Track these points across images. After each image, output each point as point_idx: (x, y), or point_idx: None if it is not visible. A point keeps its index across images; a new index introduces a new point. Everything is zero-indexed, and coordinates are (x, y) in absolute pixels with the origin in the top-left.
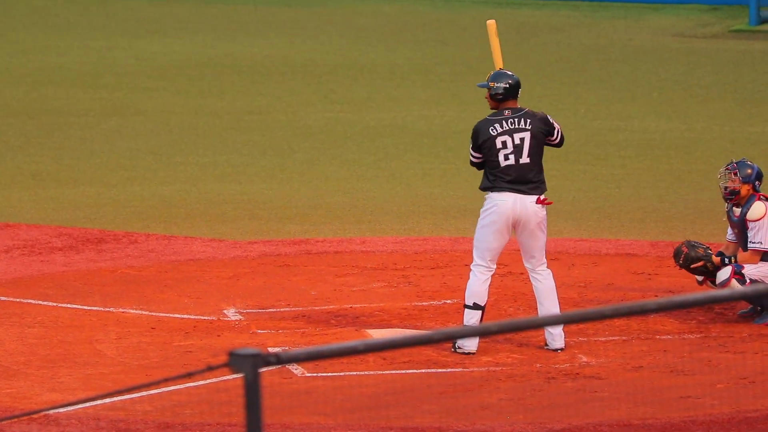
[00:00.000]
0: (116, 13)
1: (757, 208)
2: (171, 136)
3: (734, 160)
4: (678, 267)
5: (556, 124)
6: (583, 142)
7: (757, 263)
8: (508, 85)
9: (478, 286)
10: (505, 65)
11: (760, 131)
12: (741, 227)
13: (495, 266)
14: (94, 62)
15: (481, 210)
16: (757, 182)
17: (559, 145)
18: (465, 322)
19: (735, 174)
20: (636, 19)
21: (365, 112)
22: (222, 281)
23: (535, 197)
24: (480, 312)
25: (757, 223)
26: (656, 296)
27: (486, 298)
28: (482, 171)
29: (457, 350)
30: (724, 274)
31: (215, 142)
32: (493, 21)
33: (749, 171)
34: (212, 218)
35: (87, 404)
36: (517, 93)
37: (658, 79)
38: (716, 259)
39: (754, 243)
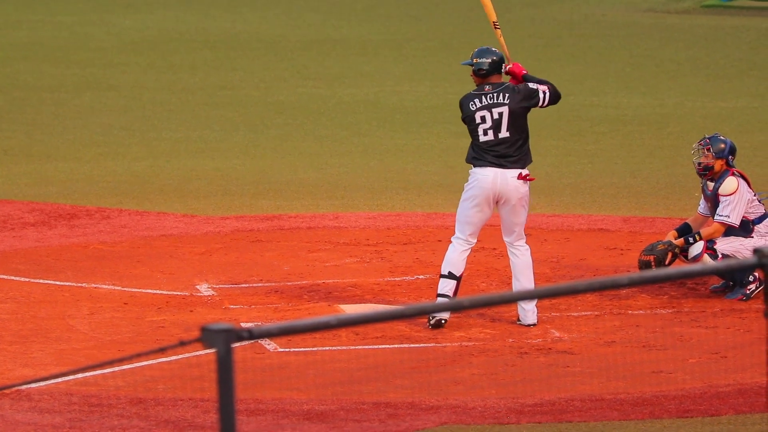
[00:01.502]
0: None
1: (729, 183)
2: (143, 111)
3: (707, 136)
4: None
5: (540, 87)
6: (555, 118)
7: (720, 236)
8: (491, 61)
9: (455, 255)
10: (477, 46)
11: (732, 106)
12: (714, 201)
13: (475, 241)
14: (66, 37)
15: (465, 185)
16: (730, 157)
17: (554, 102)
18: (439, 291)
19: (708, 149)
20: None
21: (338, 87)
22: (195, 257)
23: (516, 172)
24: (455, 282)
25: (728, 197)
26: (628, 271)
27: (462, 269)
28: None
29: (431, 320)
30: (696, 249)
31: (188, 117)
32: None
33: (722, 146)
34: (185, 194)
35: (59, 379)
36: (501, 68)
37: (631, 54)
38: (680, 242)
39: (720, 216)
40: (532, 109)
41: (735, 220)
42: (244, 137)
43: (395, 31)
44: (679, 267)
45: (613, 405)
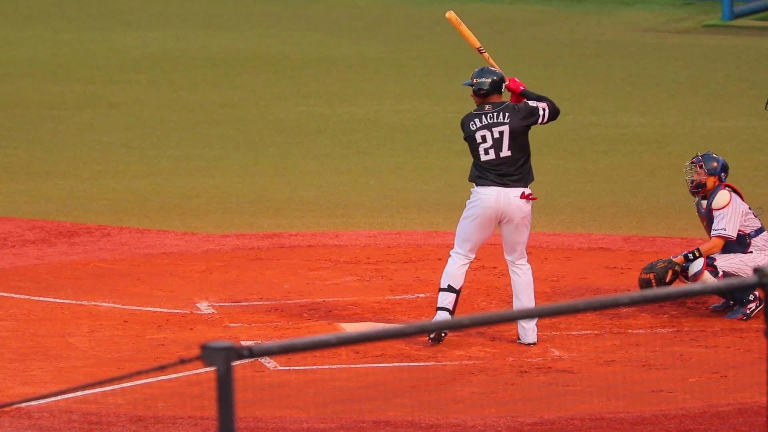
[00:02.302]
0: (89, 5)
1: (721, 197)
2: (144, 129)
3: (699, 154)
4: None
5: (539, 105)
6: (555, 137)
7: (719, 251)
8: (491, 81)
9: (454, 269)
10: (478, 65)
11: (732, 126)
12: (709, 219)
13: (473, 256)
14: (66, 54)
15: (467, 202)
16: (722, 174)
17: (553, 119)
18: (439, 305)
19: (700, 167)
20: (609, 14)
21: (338, 105)
22: (195, 275)
23: (519, 191)
24: (455, 296)
25: (721, 211)
26: (629, 290)
27: (461, 283)
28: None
29: (431, 335)
30: (696, 266)
31: (188, 135)
32: (451, 12)
33: (715, 164)
34: (185, 212)
35: (59, 397)
36: (501, 88)
37: (631, 74)
38: (680, 259)
39: (717, 230)
40: (532, 127)
41: (732, 233)
42: (244, 155)
43: (395, 50)
44: (679, 286)
45: (613, 424)
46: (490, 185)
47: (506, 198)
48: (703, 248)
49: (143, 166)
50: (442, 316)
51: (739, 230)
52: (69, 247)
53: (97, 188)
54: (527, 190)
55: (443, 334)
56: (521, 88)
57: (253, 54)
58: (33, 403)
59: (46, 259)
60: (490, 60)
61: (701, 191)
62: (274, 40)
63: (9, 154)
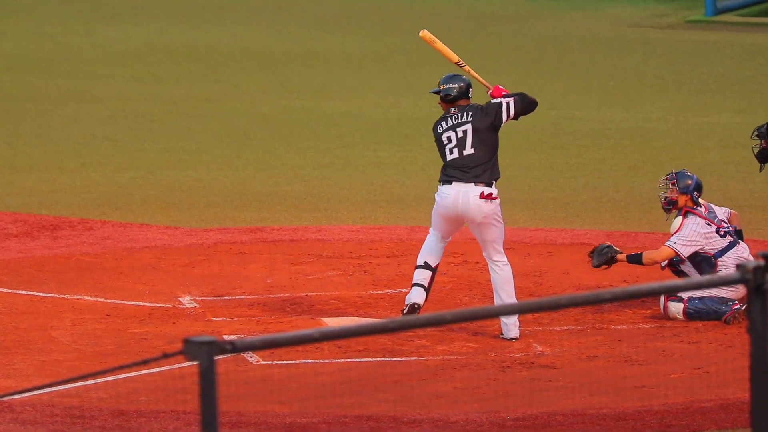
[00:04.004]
0: None
1: (675, 223)
2: (127, 122)
3: (674, 171)
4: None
5: (508, 101)
6: (539, 132)
7: (662, 260)
8: (458, 86)
9: (432, 245)
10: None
11: (714, 122)
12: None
13: (449, 239)
14: (50, 48)
15: (435, 195)
16: (695, 193)
17: (527, 109)
18: (414, 281)
19: (673, 183)
20: (593, 9)
21: (321, 100)
22: (178, 269)
23: (479, 190)
24: (431, 273)
25: (678, 231)
26: (611, 286)
27: (438, 261)
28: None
29: (405, 309)
30: (676, 308)
31: (171, 129)
32: (425, 31)
33: (688, 182)
34: (168, 205)
35: (41, 391)
36: (467, 93)
37: (614, 69)
38: (622, 257)
39: (668, 241)
40: (514, 122)
41: (682, 250)
42: (228, 149)
43: (379, 45)
44: (661, 282)
45: (595, 420)
46: (450, 183)
47: (465, 198)
48: (647, 253)
49: (126, 159)
50: (416, 292)
51: (703, 252)
52: (52, 241)
53: (80, 182)
54: (488, 190)
55: (416, 306)
56: (503, 93)
57: (236, 48)
58: (15, 396)
59: (29, 253)
60: (472, 72)
61: (672, 208)
62: (258, 34)
63: None
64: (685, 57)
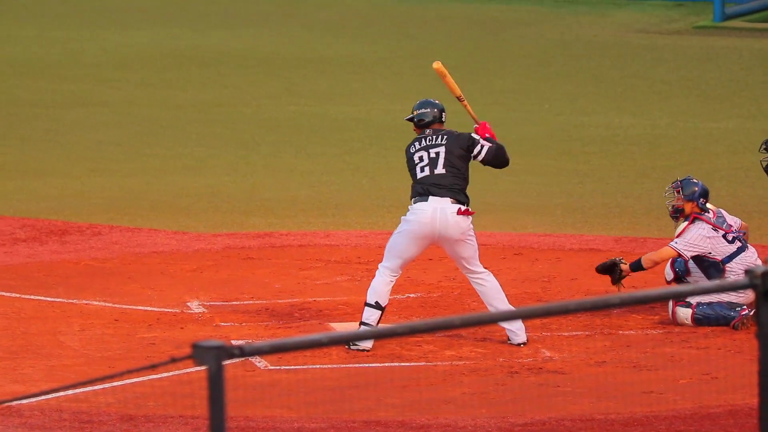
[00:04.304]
0: (81, 3)
1: (680, 227)
2: (135, 127)
3: (679, 178)
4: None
5: (485, 144)
6: (546, 137)
7: (661, 261)
8: (431, 111)
9: (381, 286)
10: (469, 64)
11: (723, 127)
12: None
13: (400, 273)
14: (58, 53)
15: (402, 217)
16: (701, 200)
17: (495, 162)
18: (363, 319)
19: (678, 192)
20: (601, 14)
21: (329, 105)
22: (186, 274)
23: (456, 207)
24: (380, 313)
25: (681, 234)
26: (619, 291)
27: (387, 300)
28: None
29: (351, 347)
30: (684, 313)
31: (179, 134)
32: (438, 63)
33: (694, 189)
34: (176, 210)
35: (50, 396)
36: (441, 118)
37: (622, 75)
38: (626, 269)
39: (671, 243)
40: (521, 129)
41: (684, 250)
42: (236, 154)
43: (387, 50)
44: (670, 287)
45: (603, 425)
46: (427, 199)
47: (443, 215)
48: (646, 255)
49: (135, 164)
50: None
51: (710, 257)
52: (60, 246)
53: (88, 187)
54: (463, 207)
55: (366, 349)
56: (486, 135)
57: (244, 53)
58: (24, 401)
59: (38, 258)
60: (468, 107)
61: (680, 216)
62: (265, 39)
63: (1, 153)
64: (694, 63)
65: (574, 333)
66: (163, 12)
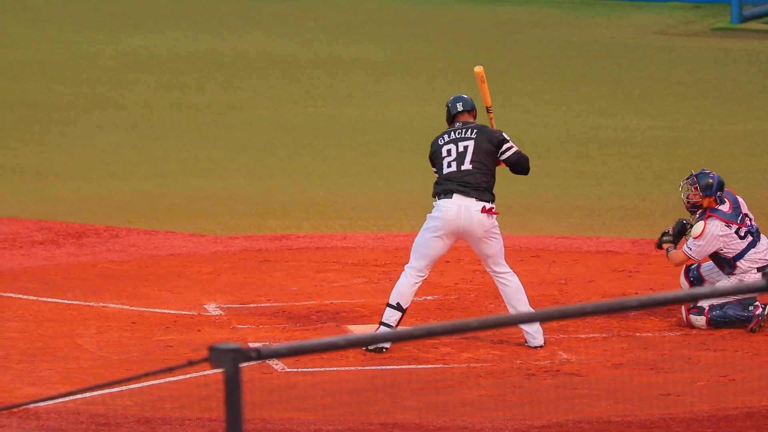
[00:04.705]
0: (97, 6)
1: (696, 228)
2: (152, 130)
3: (694, 172)
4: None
5: (514, 146)
6: (564, 140)
7: (675, 264)
8: (460, 103)
9: (406, 288)
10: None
11: (741, 129)
12: None
13: (427, 273)
14: (75, 56)
15: (428, 215)
16: (718, 193)
17: (516, 167)
18: (383, 320)
19: (696, 188)
20: (618, 16)
21: (346, 107)
22: (203, 276)
23: (480, 205)
24: (400, 314)
25: (695, 240)
26: (637, 293)
27: (410, 302)
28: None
29: (369, 349)
30: (699, 321)
31: (196, 136)
32: (480, 67)
33: (710, 181)
34: (193, 213)
35: (67, 398)
36: (470, 110)
37: (640, 76)
38: (666, 245)
39: (684, 247)
40: (535, 132)
41: (697, 257)
42: (253, 157)
43: (403, 52)
44: (687, 290)
45: (621, 428)
46: (451, 197)
47: (467, 212)
48: (671, 253)
49: (151, 167)
50: (383, 331)
51: (721, 254)
52: (77, 249)
53: (105, 189)
54: (489, 205)
55: (384, 348)
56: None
57: (261, 56)
58: (41, 404)
59: (55, 260)
60: (493, 121)
61: (697, 211)
62: (282, 41)
63: (17, 156)
64: (711, 65)
65: (591, 335)
66: (180, 15)
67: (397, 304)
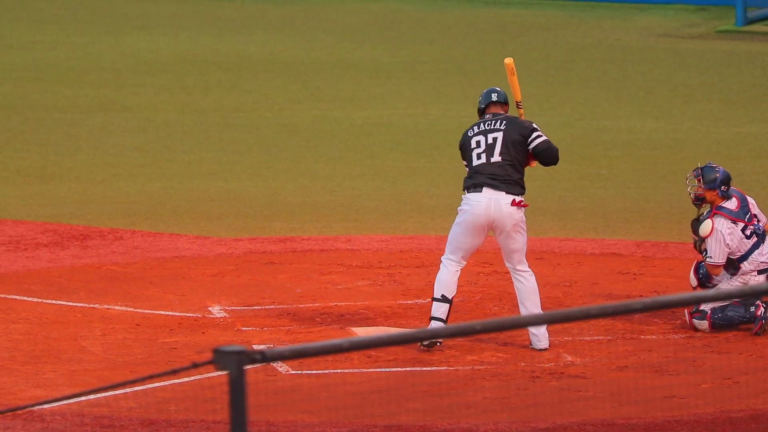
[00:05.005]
0: (102, 9)
1: (704, 226)
2: (157, 132)
3: (700, 165)
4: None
5: (543, 135)
6: (569, 142)
7: (718, 275)
8: (495, 93)
9: (448, 277)
10: (490, 69)
11: (745, 132)
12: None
13: (465, 262)
14: (79, 58)
15: (458, 208)
16: (723, 187)
17: (545, 155)
18: (432, 314)
19: (700, 180)
20: (623, 19)
21: (351, 109)
22: (207, 278)
23: (510, 198)
24: (448, 305)
25: (706, 239)
26: (641, 296)
27: (454, 291)
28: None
29: (423, 345)
30: (703, 325)
31: (201, 139)
32: (511, 59)
33: (715, 175)
34: (198, 215)
35: (71, 400)
36: (503, 103)
37: (645, 79)
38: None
39: (706, 260)
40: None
41: (720, 259)
42: (257, 159)
43: (408, 54)
44: (692, 293)
45: (625, 430)
46: (480, 191)
47: (497, 205)
48: (707, 265)
49: (156, 169)
50: (436, 326)
51: (732, 254)
52: (82, 251)
53: (110, 192)
54: (518, 198)
55: (438, 342)
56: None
57: (266, 58)
58: (45, 406)
59: (59, 263)
60: (523, 116)
61: (702, 204)
62: (287, 44)
63: (22, 158)
64: (716, 67)
65: (595, 337)
66: (185, 17)
67: (442, 296)
